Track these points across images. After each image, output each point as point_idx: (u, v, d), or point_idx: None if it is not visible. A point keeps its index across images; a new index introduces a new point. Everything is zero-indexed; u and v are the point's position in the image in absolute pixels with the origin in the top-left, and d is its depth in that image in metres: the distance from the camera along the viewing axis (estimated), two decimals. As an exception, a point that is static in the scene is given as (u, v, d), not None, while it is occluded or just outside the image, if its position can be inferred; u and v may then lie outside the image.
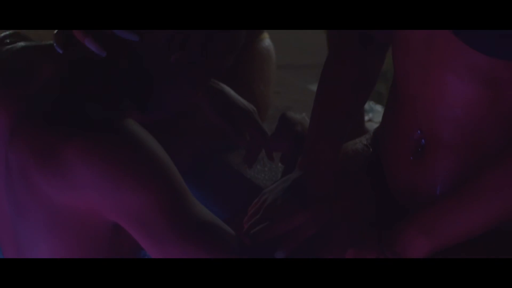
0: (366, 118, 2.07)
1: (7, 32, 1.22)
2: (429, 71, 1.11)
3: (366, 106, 2.61)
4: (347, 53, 1.29)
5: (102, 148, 1.01)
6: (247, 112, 1.42)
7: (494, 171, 1.05)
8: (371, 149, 1.33)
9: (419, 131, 1.15)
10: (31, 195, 1.06)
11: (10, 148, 1.09)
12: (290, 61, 3.05)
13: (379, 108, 2.44)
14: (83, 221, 1.06)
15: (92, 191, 1.02)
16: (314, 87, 1.29)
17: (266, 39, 1.88)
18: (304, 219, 1.13)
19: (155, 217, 1.02)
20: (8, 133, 1.10)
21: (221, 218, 1.42)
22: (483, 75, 1.07)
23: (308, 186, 1.17)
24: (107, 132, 1.02)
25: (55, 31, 1.14)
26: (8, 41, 1.20)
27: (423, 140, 1.15)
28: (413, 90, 1.15)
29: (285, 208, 1.14)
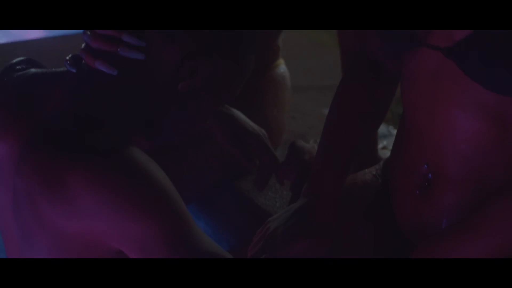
0: (381, 145, 2.04)
1: (20, 58, 1.23)
2: (436, 105, 1.11)
3: (385, 130, 2.58)
4: (357, 83, 1.29)
5: (105, 176, 1.01)
6: (257, 136, 1.42)
7: (498, 204, 1.04)
8: (380, 180, 1.32)
9: (426, 165, 1.15)
10: (36, 220, 1.07)
11: (17, 174, 1.10)
12: (310, 83, 3.05)
13: (398, 133, 2.40)
14: (86, 247, 1.06)
15: (95, 218, 1.02)
16: (330, 113, 1.29)
17: (281, 66, 1.88)
18: (303, 249, 1.13)
19: (157, 245, 1.03)
20: (16, 159, 1.11)
21: (231, 245, 1.42)
22: (490, 111, 1.06)
23: (310, 216, 1.17)
24: (111, 161, 1.02)
25: (68, 56, 1.15)
26: (19, 67, 1.21)
27: (430, 175, 1.14)
28: (421, 123, 1.15)
29: (285, 237, 1.15)
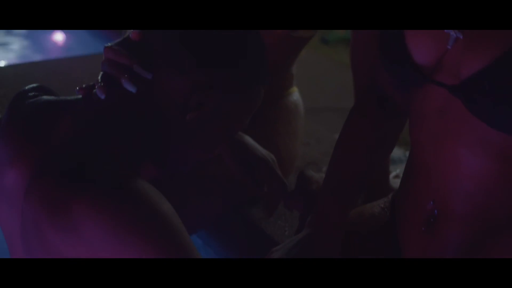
0: (394, 173, 2.02)
1: (32, 85, 1.24)
2: (442, 142, 1.11)
3: (401, 155, 2.55)
4: (365, 116, 1.29)
5: (110, 207, 1.02)
6: (266, 162, 1.41)
7: (503, 240, 1.04)
8: (388, 213, 1.31)
9: (432, 202, 1.14)
10: (42, 247, 1.08)
11: (25, 201, 1.11)
12: (330, 104, 3.04)
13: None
14: None
15: (99, 248, 1.03)
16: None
17: (295, 93, 1.87)
18: None
19: None
20: (25, 185, 1.12)
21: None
22: (495, 149, 1.06)
23: (313, 246, 1.17)
24: (116, 192, 1.03)
25: (81, 86, 1.16)
26: (31, 94, 1.22)
27: (435, 211, 1.14)
28: (427, 159, 1.15)
29: None
